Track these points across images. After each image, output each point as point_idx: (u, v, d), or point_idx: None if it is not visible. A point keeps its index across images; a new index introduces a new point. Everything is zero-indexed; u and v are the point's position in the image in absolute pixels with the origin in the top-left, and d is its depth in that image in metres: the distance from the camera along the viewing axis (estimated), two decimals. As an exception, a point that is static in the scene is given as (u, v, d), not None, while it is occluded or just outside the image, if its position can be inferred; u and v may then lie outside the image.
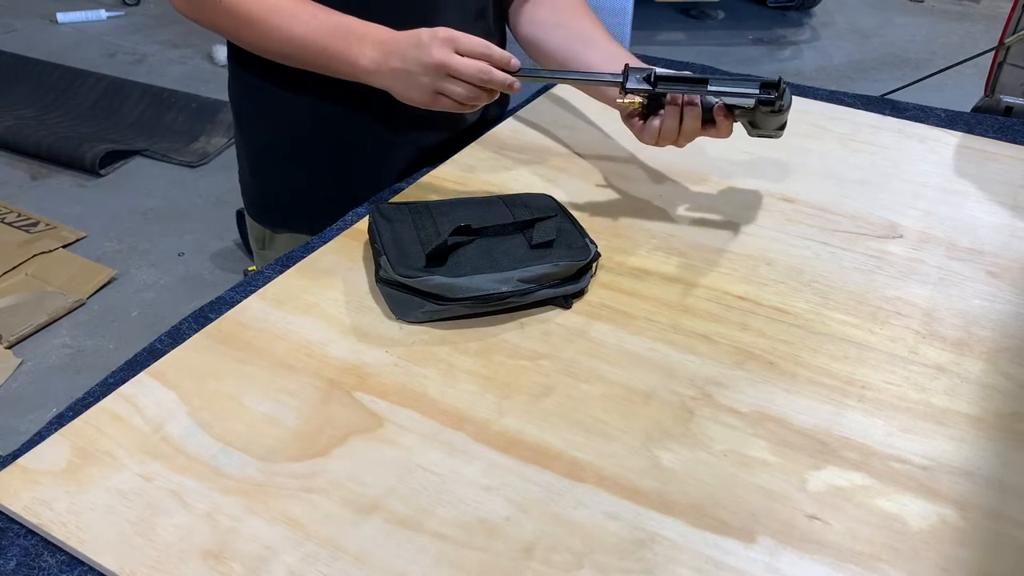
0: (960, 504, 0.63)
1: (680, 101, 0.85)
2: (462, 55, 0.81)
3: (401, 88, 0.86)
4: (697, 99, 0.85)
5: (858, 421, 0.69)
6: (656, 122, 0.87)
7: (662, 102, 0.86)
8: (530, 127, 1.14)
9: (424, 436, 0.66)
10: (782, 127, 0.89)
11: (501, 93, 0.85)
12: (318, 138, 1.02)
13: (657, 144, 0.89)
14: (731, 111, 0.86)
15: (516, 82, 0.83)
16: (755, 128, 0.88)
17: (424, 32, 0.82)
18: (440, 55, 0.81)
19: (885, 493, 0.63)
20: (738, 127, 0.88)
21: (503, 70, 0.83)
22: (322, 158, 1.04)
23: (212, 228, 2.58)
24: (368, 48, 0.87)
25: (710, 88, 0.84)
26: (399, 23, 0.88)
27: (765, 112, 0.84)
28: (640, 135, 0.90)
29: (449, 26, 0.83)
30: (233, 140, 3.06)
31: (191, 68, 3.62)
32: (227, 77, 1.07)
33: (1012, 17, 1.75)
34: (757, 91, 0.82)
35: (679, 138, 0.88)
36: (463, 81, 0.82)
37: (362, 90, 0.91)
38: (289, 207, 1.07)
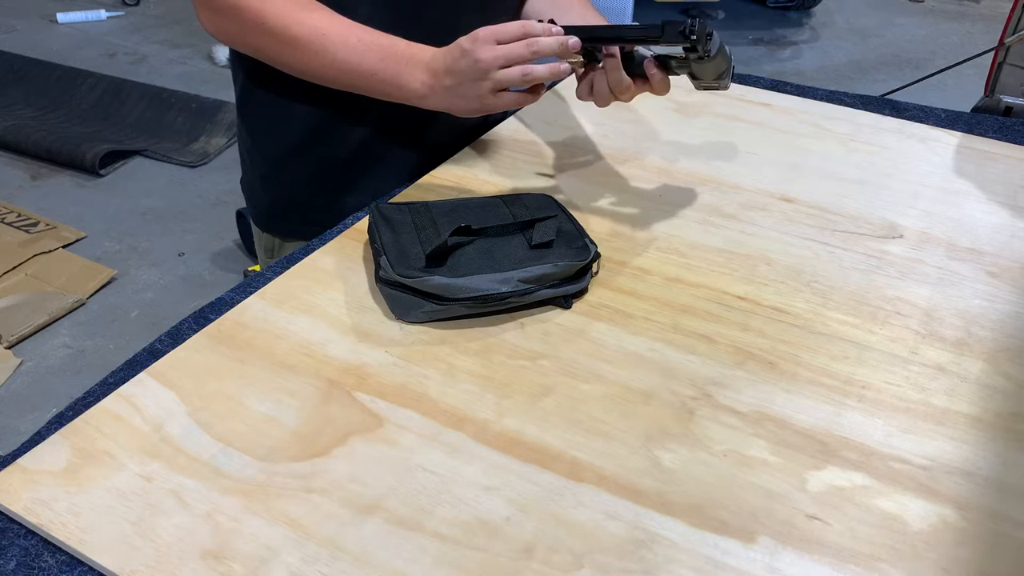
0: (960, 504, 0.63)
1: (601, 54, 0.86)
2: (504, 44, 0.82)
3: (459, 102, 0.86)
4: (615, 50, 0.85)
5: (858, 421, 0.69)
6: (589, 76, 0.89)
7: (597, 56, 0.87)
8: (530, 127, 1.14)
9: (424, 436, 0.66)
10: (721, 76, 0.88)
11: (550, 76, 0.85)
12: (332, 148, 1.03)
13: (592, 100, 0.90)
14: (666, 65, 0.86)
15: (570, 38, 0.82)
16: (696, 80, 0.88)
17: (463, 40, 0.83)
18: (486, 53, 0.81)
19: (885, 493, 0.63)
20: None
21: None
22: (335, 168, 1.04)
23: (212, 228, 2.58)
24: (418, 71, 0.87)
25: (631, 36, 0.82)
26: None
27: (695, 60, 0.83)
28: (577, 92, 0.92)
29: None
30: (234, 140, 3.07)
31: (191, 68, 3.62)
32: (227, 77, 1.06)
33: (1012, 17, 1.75)
34: (683, 38, 0.80)
35: (616, 92, 0.88)
36: (514, 65, 0.82)
37: (371, 98, 0.91)
38: (300, 217, 1.07)
